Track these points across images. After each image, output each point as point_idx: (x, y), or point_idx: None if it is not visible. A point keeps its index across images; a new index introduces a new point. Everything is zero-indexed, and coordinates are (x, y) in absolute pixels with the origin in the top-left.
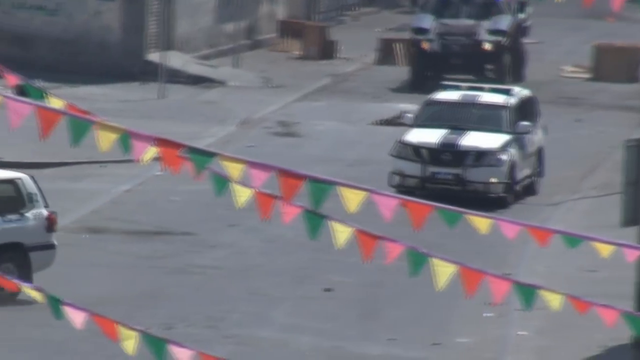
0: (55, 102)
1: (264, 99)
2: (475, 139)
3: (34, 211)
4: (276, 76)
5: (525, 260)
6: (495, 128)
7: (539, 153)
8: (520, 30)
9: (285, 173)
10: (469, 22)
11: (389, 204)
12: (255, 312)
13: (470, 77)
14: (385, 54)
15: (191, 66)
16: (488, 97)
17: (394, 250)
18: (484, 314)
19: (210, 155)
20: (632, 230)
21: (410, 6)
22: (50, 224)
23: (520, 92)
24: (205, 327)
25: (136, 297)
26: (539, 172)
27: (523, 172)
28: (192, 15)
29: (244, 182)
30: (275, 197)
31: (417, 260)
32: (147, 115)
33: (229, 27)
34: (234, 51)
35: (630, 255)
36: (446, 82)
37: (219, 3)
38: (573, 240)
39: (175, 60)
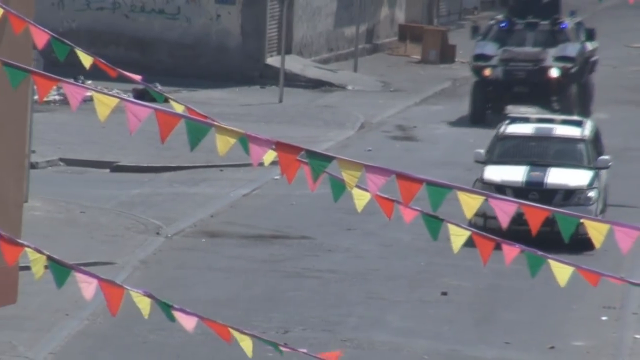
0: (175, 106)
1: (383, 103)
2: (561, 176)
3: None
4: (395, 80)
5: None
6: (576, 163)
7: (606, 189)
8: (588, 62)
9: (404, 177)
10: (535, 49)
11: (507, 209)
12: (371, 315)
13: (535, 108)
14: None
15: (310, 70)
16: (563, 130)
17: (511, 253)
18: (601, 317)
19: (328, 159)
20: None
21: (471, 36)
22: None
23: (590, 123)
24: (322, 330)
25: (253, 300)
26: (603, 209)
27: (600, 207)
28: (312, 19)
29: (362, 186)
30: (394, 200)
31: (535, 263)
32: (266, 120)
33: (349, 30)
34: (353, 55)
35: None
36: (513, 114)
37: (339, 6)
38: (585, 191)
39: (295, 64)
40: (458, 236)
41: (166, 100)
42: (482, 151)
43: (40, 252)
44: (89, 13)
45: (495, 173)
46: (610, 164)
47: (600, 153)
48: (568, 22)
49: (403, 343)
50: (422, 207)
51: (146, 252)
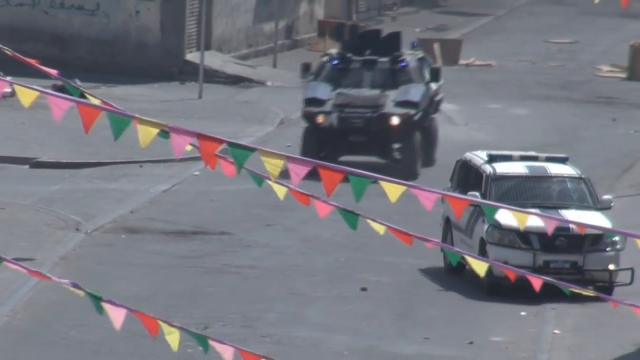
0: (94, 101)
1: (301, 99)
2: (582, 220)
3: None
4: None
5: None
6: (583, 204)
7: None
8: (432, 103)
9: (325, 167)
10: (373, 92)
11: (429, 197)
12: (291, 311)
13: (373, 158)
14: (424, 53)
15: (230, 66)
16: (558, 169)
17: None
18: (520, 313)
19: (250, 150)
20: None
21: (301, 75)
22: None
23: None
24: (242, 326)
25: (173, 296)
26: None
27: None
28: (231, 14)
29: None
30: (310, 195)
31: (453, 255)
32: (186, 115)
33: (268, 26)
34: (272, 51)
35: None
36: (492, 152)
37: (258, 2)
38: (610, 236)
39: (214, 60)
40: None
41: (82, 95)
42: (476, 193)
43: None
44: (7, 9)
45: (512, 218)
46: (612, 204)
47: (594, 191)
48: (410, 60)
49: (323, 339)
50: (341, 203)
51: (66, 248)
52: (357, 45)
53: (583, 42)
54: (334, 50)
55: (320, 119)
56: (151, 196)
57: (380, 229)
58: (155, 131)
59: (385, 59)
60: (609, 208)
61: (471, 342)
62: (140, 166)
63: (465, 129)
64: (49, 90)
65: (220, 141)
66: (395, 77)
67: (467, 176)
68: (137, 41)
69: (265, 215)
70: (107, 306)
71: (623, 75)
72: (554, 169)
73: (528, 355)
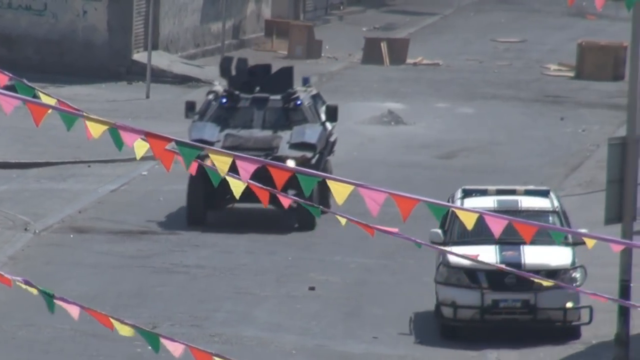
0: (48, 100)
1: None
2: (538, 255)
3: None
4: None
5: None
6: (551, 240)
7: (584, 267)
8: (327, 145)
9: (273, 166)
10: (265, 133)
11: (376, 198)
12: (239, 311)
13: (254, 205)
14: (371, 52)
15: (177, 66)
16: (530, 202)
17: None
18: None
19: (197, 148)
20: (616, 228)
21: (185, 114)
22: None
23: (554, 192)
24: (190, 326)
25: (121, 296)
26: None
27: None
28: (178, 14)
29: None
30: (268, 189)
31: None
32: (133, 115)
33: (215, 26)
34: (220, 51)
35: (616, 247)
36: (468, 187)
37: (205, 2)
38: (558, 234)
39: (162, 60)
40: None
41: (36, 95)
42: (438, 230)
43: None
44: None
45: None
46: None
47: (568, 225)
48: (304, 97)
49: (271, 338)
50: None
51: (14, 248)
52: (246, 82)
53: (530, 41)
54: (220, 87)
55: (208, 163)
56: (99, 196)
57: (342, 220)
58: (104, 127)
59: (277, 97)
60: (582, 243)
61: (419, 342)
62: (89, 166)
63: (413, 128)
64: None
65: (169, 140)
66: (289, 116)
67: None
68: (84, 41)
69: (212, 215)
70: (60, 302)
71: (571, 74)
72: (527, 202)
73: (477, 355)
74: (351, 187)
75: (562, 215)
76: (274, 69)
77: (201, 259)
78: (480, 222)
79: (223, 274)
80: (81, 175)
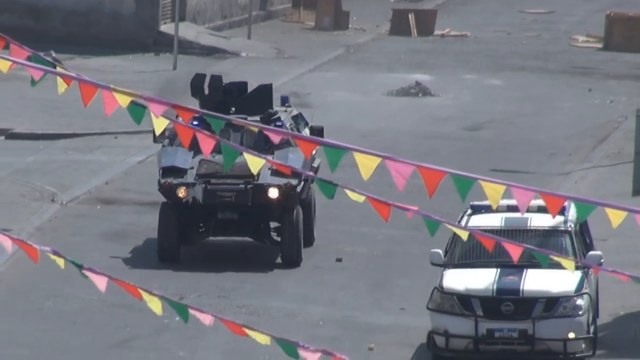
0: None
1: (277, 70)
2: (540, 281)
3: None
4: (289, 47)
5: None
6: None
7: (597, 293)
8: (311, 170)
9: (299, 138)
10: (244, 158)
11: (403, 170)
12: (266, 282)
13: (248, 239)
14: (399, 24)
15: (204, 37)
16: (542, 221)
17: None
18: None
19: (224, 120)
20: None
21: (154, 139)
22: None
23: (574, 209)
24: (217, 297)
25: (148, 267)
26: (594, 319)
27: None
28: None
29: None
30: (289, 166)
31: (432, 226)
32: (160, 87)
33: None
34: (247, 22)
35: None
36: (476, 203)
37: None
38: (585, 207)
39: (189, 31)
40: (356, 197)
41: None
42: (439, 251)
43: None
44: None
45: (458, 279)
46: (602, 260)
47: (588, 246)
48: (285, 119)
49: (298, 309)
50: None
51: (41, 219)
52: (220, 101)
53: (558, 12)
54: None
55: (182, 192)
56: (126, 167)
57: (359, 198)
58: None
59: (256, 118)
60: (588, 267)
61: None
62: (115, 137)
63: (440, 99)
64: (24, 61)
65: (195, 112)
66: (269, 140)
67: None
68: (111, 12)
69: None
70: (88, 273)
71: (599, 45)
72: (539, 220)
73: None
74: (378, 160)
75: (575, 235)
76: (255, 83)
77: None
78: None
79: (251, 245)
80: (108, 147)
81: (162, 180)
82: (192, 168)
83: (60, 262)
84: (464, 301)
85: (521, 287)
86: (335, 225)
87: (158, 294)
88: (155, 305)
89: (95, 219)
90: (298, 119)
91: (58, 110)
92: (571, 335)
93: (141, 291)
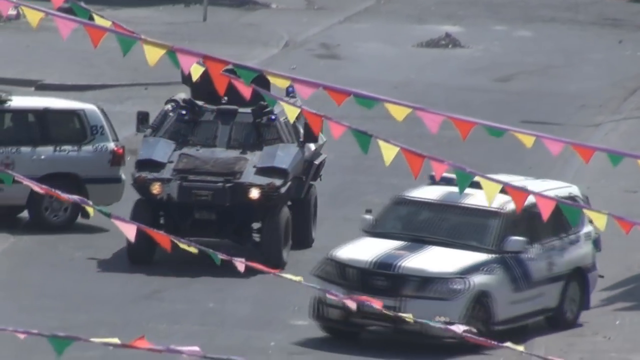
0: (103, 22)
1: (307, 21)
2: (426, 259)
3: (96, 144)
4: None
5: (567, 182)
6: (471, 244)
7: (582, 277)
8: (311, 168)
9: (331, 89)
10: (229, 154)
11: (434, 119)
12: (297, 233)
13: (228, 242)
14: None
15: None
16: (477, 200)
17: (439, 169)
18: None
19: (256, 71)
20: None
21: (137, 127)
22: (115, 157)
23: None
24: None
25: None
26: (583, 303)
27: (516, 310)
28: None
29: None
30: (322, 115)
31: (464, 179)
32: (190, 38)
33: None
34: None
35: None
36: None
37: None
38: (616, 157)
39: None
40: (389, 149)
41: (91, 17)
42: (369, 217)
43: None
44: None
45: (353, 249)
46: (525, 247)
47: (536, 235)
48: (280, 112)
49: None
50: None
51: None
52: (212, 91)
53: None
54: (182, 95)
55: (156, 188)
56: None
57: (392, 150)
58: (162, 51)
59: (247, 110)
60: (517, 252)
61: None
62: (145, 89)
63: (470, 51)
64: (55, 12)
65: (226, 62)
66: (260, 134)
67: None
68: None
69: None
70: (117, 221)
71: None
72: (477, 199)
73: None
74: (408, 110)
75: (505, 219)
76: (285, 35)
77: None
78: (415, 213)
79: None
80: (138, 98)
81: (136, 175)
82: (172, 162)
83: (90, 210)
84: (343, 271)
85: (398, 263)
86: (365, 177)
87: (187, 242)
88: (190, 248)
89: (127, 168)
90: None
91: (88, 61)
92: (440, 318)
93: (172, 239)
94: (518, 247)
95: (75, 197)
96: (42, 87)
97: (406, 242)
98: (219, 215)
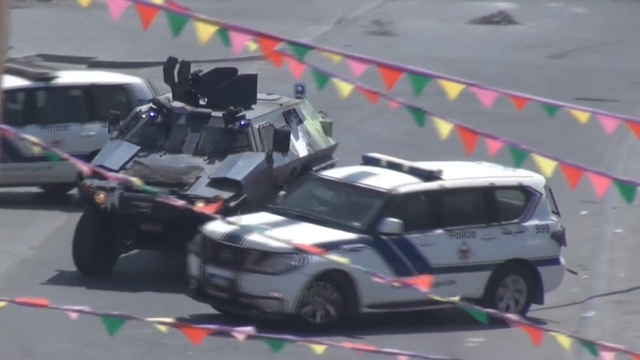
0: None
1: None
2: (283, 235)
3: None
4: None
5: (621, 159)
6: (349, 223)
7: (530, 271)
8: (293, 174)
9: (384, 65)
10: (189, 161)
11: (489, 95)
12: None
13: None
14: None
15: None
16: (375, 180)
17: (494, 146)
18: (580, 212)
19: (309, 48)
20: None
21: (109, 129)
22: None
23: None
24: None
25: None
26: (536, 298)
27: (399, 294)
28: None
29: (344, 77)
30: (377, 92)
31: (518, 156)
32: (243, 15)
33: None
34: None
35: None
36: (370, 155)
37: None
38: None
39: None
40: (443, 126)
41: None
42: (282, 193)
43: None
44: None
45: (222, 224)
46: (396, 229)
47: (438, 220)
48: (262, 116)
49: None
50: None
51: None
52: (188, 92)
53: None
54: (164, 97)
55: (100, 197)
56: None
57: (446, 126)
58: (213, 28)
59: (218, 114)
60: (390, 234)
61: None
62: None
63: (523, 27)
64: None
65: (279, 40)
66: (232, 140)
67: None
68: None
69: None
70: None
71: None
72: (373, 180)
73: (588, 255)
74: (461, 86)
75: (392, 201)
76: (339, 12)
77: None
78: (317, 190)
79: None
80: None
81: (82, 182)
82: (125, 169)
83: (137, 181)
84: (204, 242)
85: (244, 237)
86: (419, 154)
87: None
88: None
89: None
90: (290, 115)
91: (140, 39)
92: (276, 294)
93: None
94: (392, 229)
95: (120, 176)
96: (94, 65)
97: (286, 218)
98: (166, 227)
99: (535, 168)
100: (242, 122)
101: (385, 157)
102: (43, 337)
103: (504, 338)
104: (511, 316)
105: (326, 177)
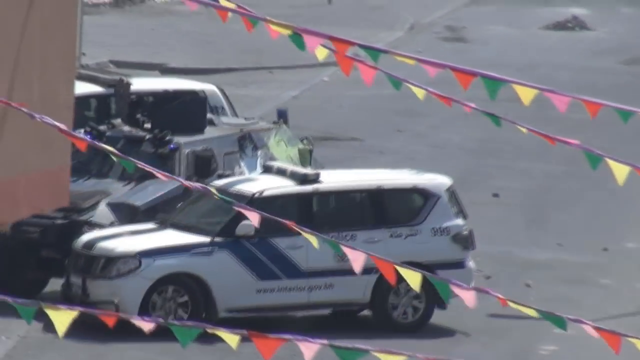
0: (227, 4)
1: (433, 3)
2: (137, 241)
3: None
4: None
5: None
6: (211, 228)
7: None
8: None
9: (457, 70)
10: (100, 186)
11: (563, 100)
12: None
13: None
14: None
15: None
16: (249, 185)
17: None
18: None
19: (382, 52)
20: None
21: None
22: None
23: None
24: None
25: None
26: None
27: (266, 299)
28: None
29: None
30: (450, 98)
31: (594, 160)
32: (315, 21)
33: None
34: None
35: None
36: (269, 163)
37: None
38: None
39: None
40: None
41: None
42: (178, 206)
43: None
44: None
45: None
46: (249, 233)
47: (309, 223)
48: (205, 140)
49: None
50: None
51: None
52: (129, 115)
53: None
54: (117, 122)
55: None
56: (281, 102)
57: (521, 130)
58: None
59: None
60: (239, 236)
61: (605, 249)
62: (270, 72)
63: (597, 33)
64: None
65: (351, 43)
66: (160, 165)
67: None
68: None
69: (394, 120)
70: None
71: None
72: (249, 186)
73: None
74: (535, 91)
75: (256, 205)
76: (409, 16)
77: (383, 165)
78: (197, 206)
79: None
80: (263, 82)
81: None
82: None
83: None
84: (72, 253)
85: (96, 244)
86: (492, 160)
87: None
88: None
89: None
90: (245, 141)
91: (212, 45)
92: (116, 300)
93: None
94: (246, 232)
95: (197, 185)
96: (166, 71)
97: (153, 226)
98: (65, 254)
99: (608, 173)
100: (171, 146)
101: (277, 164)
102: (114, 345)
103: (576, 346)
104: (590, 323)
105: (213, 185)
